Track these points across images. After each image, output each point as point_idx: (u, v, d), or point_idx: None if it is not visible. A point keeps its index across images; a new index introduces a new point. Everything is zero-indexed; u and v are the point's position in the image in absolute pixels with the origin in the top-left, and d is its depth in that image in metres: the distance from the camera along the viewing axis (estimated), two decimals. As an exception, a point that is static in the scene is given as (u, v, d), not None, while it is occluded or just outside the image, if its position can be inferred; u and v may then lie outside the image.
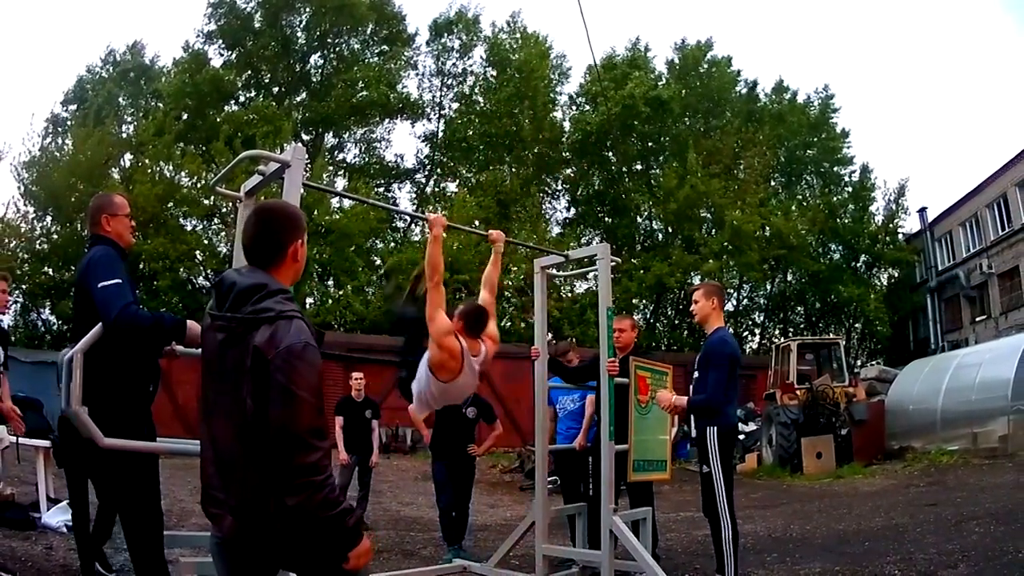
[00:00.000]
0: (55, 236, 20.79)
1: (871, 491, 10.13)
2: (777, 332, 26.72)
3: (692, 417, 4.68)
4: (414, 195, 27.08)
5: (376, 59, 26.00)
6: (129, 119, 24.17)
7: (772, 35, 48.05)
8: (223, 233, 22.03)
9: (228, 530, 1.86)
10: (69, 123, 23.33)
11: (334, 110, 24.69)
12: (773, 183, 26.81)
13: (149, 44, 27.98)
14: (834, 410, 13.70)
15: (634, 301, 23.74)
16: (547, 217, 25.63)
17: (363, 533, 1.88)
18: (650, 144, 26.09)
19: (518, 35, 26.43)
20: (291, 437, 1.74)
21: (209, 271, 21.80)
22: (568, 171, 26.63)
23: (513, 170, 25.28)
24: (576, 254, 5.65)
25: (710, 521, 4.48)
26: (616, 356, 4.94)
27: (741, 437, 14.75)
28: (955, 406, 12.94)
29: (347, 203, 22.63)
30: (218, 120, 23.02)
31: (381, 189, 26.12)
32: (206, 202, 21.34)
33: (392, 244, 24.98)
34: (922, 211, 26.25)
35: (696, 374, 4.60)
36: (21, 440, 5.45)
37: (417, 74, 27.00)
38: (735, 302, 27.25)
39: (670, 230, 25.51)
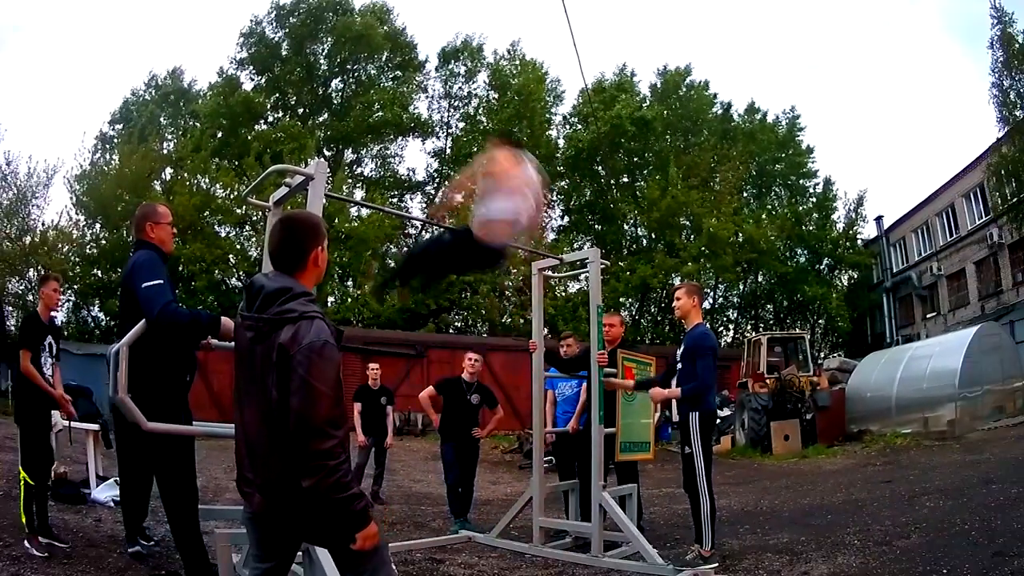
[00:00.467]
0: (103, 241, 20.77)
1: (833, 470, 10.11)
2: (749, 327, 26.66)
3: (675, 403, 4.68)
4: (424, 205, 27.06)
5: (390, 83, 25.97)
6: (169, 137, 24.15)
7: (745, 61, 48.06)
8: (254, 239, 22.00)
9: (257, 506, 1.88)
10: (116, 141, 23.31)
11: (353, 129, 24.65)
12: (745, 194, 26.76)
13: (187, 70, 27.89)
14: (800, 397, 13.69)
15: (621, 300, 23.71)
16: (543, 225, 25.59)
17: (371, 518, 1.86)
18: (635, 159, 26.04)
19: (517, 62, 26.41)
20: (309, 425, 1.74)
21: (241, 273, 21.78)
22: (562, 183, 26.62)
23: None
24: (570, 257, 5.67)
25: (690, 496, 4.49)
26: (605, 349, 4.95)
27: (717, 421, 14.72)
28: (908, 393, 12.94)
29: (364, 212, 22.62)
30: (249, 138, 23.00)
31: (395, 199, 26.08)
32: (238, 211, 21.31)
33: (404, 249, 24.95)
34: (879, 219, 26.22)
35: (680, 365, 4.59)
36: (73, 424, 5.46)
37: (427, 97, 26.98)
38: (711, 301, 27.21)
39: (653, 236, 25.47)
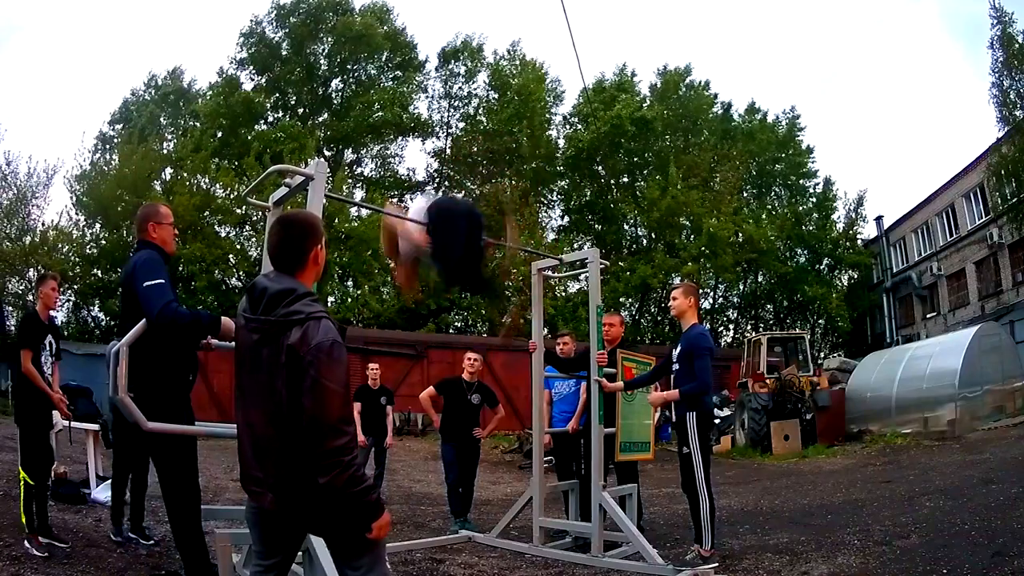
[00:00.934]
0: (103, 241, 20.78)
1: (833, 469, 10.11)
2: (749, 327, 26.66)
3: (673, 403, 4.68)
4: (424, 205, 27.03)
5: (390, 83, 25.98)
6: (169, 137, 24.15)
7: (745, 61, 48.10)
8: (254, 239, 22.00)
9: (269, 504, 1.90)
10: (116, 141, 23.32)
11: (353, 129, 24.67)
12: (745, 194, 26.76)
13: (187, 70, 27.88)
14: (800, 397, 13.69)
15: (621, 300, 23.71)
16: (543, 225, 25.60)
17: (384, 507, 1.92)
18: (635, 159, 26.04)
19: (517, 62, 26.42)
20: (322, 424, 1.78)
21: (241, 273, 21.79)
22: (562, 183, 26.63)
23: (513, 183, 25.26)
24: (569, 258, 5.67)
25: (689, 497, 4.48)
26: (605, 349, 4.95)
27: (717, 421, 14.73)
28: (908, 393, 12.93)
29: (364, 212, 22.63)
30: (249, 138, 23.01)
31: (395, 200, 26.07)
32: (238, 211, 21.31)
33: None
34: (879, 219, 26.22)
35: (677, 366, 4.59)
36: (73, 424, 5.46)
37: (427, 97, 27.03)
38: (711, 301, 27.22)
39: (653, 236, 25.48)
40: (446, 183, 26.85)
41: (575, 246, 24.00)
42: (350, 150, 26.42)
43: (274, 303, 1.90)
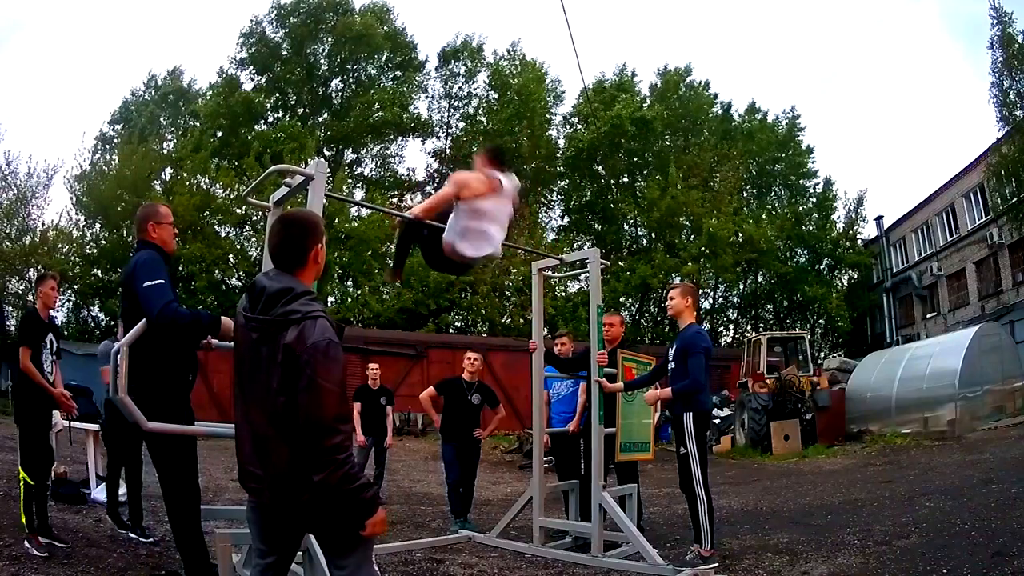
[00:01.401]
0: (103, 242, 20.79)
1: (833, 469, 10.10)
2: (749, 327, 26.67)
3: (670, 403, 4.67)
4: (424, 205, 27.02)
5: (390, 83, 25.99)
6: (169, 137, 24.18)
7: (745, 61, 48.11)
8: (254, 239, 22.01)
9: (267, 500, 1.92)
10: (116, 141, 23.35)
11: (353, 129, 24.68)
12: (745, 194, 26.78)
13: (187, 70, 27.98)
14: (800, 397, 13.69)
15: (621, 299, 23.72)
16: (543, 225, 25.63)
17: (379, 505, 1.93)
18: (635, 159, 26.05)
19: (517, 62, 26.43)
20: (318, 423, 1.79)
21: (241, 273, 21.79)
22: (562, 183, 26.63)
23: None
24: (570, 258, 5.67)
25: (687, 497, 4.49)
26: (605, 348, 4.95)
27: (716, 421, 14.73)
28: (908, 393, 12.93)
29: (365, 212, 22.63)
30: (249, 138, 23.03)
31: (395, 200, 26.08)
32: (238, 211, 21.32)
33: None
34: (879, 219, 26.22)
35: (673, 364, 4.59)
36: (73, 424, 5.47)
37: (427, 97, 27.04)
38: (711, 301, 27.23)
39: (653, 236, 25.49)
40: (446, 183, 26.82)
41: (575, 246, 24.02)
42: (350, 150, 26.44)
43: (272, 302, 1.91)
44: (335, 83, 26.14)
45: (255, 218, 21.31)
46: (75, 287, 20.36)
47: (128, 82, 44.09)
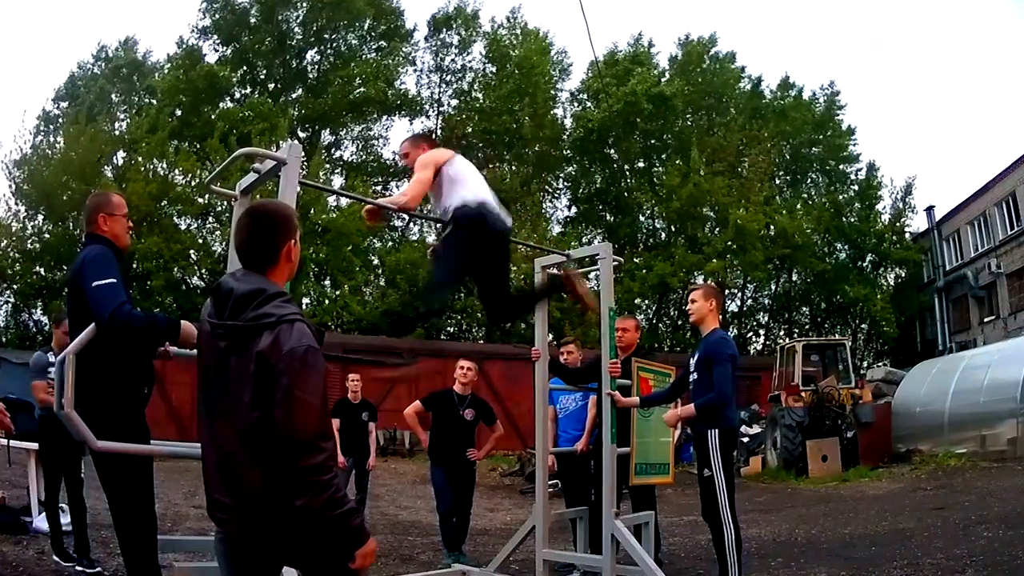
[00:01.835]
0: (47, 235, 20.80)
1: (877, 495, 10.12)
2: (782, 333, 26.71)
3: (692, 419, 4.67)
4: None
5: (374, 55, 26.00)
6: (122, 116, 24.20)
7: (776, 30, 48.07)
8: (218, 232, 22.02)
9: (236, 532, 1.91)
10: (61, 120, 23.36)
11: (331, 107, 24.68)
12: (778, 181, 26.82)
13: (142, 40, 27.90)
14: (840, 412, 13.70)
15: (636, 301, 23.73)
16: (548, 216, 25.65)
17: (369, 533, 1.92)
18: (652, 141, 26.08)
19: (518, 31, 26.46)
20: (297, 440, 1.79)
21: (204, 271, 21.81)
22: (569, 169, 26.64)
23: (513, 168, 25.27)
24: (577, 253, 5.65)
25: (711, 526, 4.47)
26: (618, 357, 4.95)
27: (745, 440, 14.75)
28: (963, 408, 12.94)
29: (344, 202, 22.64)
30: (213, 117, 23.04)
31: (379, 187, 26.10)
32: (200, 201, 21.34)
33: (390, 243, 25.00)
34: (929, 210, 26.23)
35: (695, 375, 4.59)
36: (12, 443, 5.46)
37: (415, 70, 27.05)
38: (739, 302, 27.26)
39: (673, 229, 25.52)
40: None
41: (584, 240, 24.03)
42: (328, 131, 26.45)
43: (242, 305, 1.90)
44: (310, 55, 26.17)
45: (219, 208, 21.32)
46: (14, 287, 20.37)
47: (75, 54, 44.17)
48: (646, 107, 23.85)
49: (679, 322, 25.67)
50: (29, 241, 20.72)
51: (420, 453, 13.83)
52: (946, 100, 49.70)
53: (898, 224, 26.51)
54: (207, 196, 20.57)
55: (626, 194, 25.85)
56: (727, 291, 24.69)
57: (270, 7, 24.38)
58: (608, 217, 26.51)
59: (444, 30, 26.62)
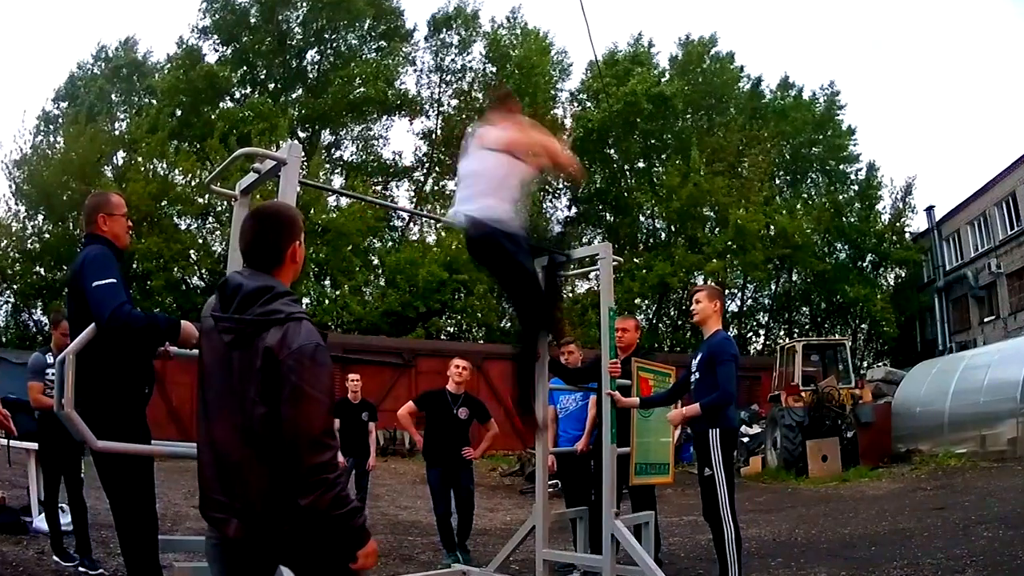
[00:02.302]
0: (46, 235, 20.81)
1: (877, 495, 10.12)
2: (782, 333, 26.72)
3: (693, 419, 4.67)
4: (412, 193, 27.10)
5: (374, 55, 26.02)
6: (122, 116, 24.21)
7: (776, 30, 48.08)
8: (218, 232, 22.03)
9: (234, 532, 1.88)
10: (61, 120, 23.36)
11: (331, 107, 24.69)
12: (778, 181, 26.83)
13: (142, 40, 27.90)
14: (840, 412, 13.69)
15: (636, 301, 23.75)
16: (547, 216, 25.63)
17: (371, 533, 1.92)
18: (652, 141, 26.10)
19: (518, 31, 26.49)
20: (304, 437, 1.78)
21: (203, 271, 21.80)
22: (569, 169, 26.62)
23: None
24: (578, 253, 5.65)
25: (712, 526, 4.48)
26: (618, 357, 4.95)
27: (745, 440, 14.74)
28: (963, 408, 12.93)
29: (344, 201, 22.67)
30: (213, 117, 23.05)
31: (379, 187, 26.13)
32: (200, 200, 21.35)
33: (390, 243, 25.01)
34: (929, 210, 26.22)
35: (697, 375, 4.59)
36: (12, 443, 5.46)
37: (415, 70, 27.08)
38: (739, 302, 27.25)
39: (673, 229, 25.53)
40: (436, 169, 26.90)
41: (584, 240, 24.02)
42: (328, 131, 26.45)
43: (249, 301, 1.90)
44: (311, 55, 26.18)
45: (219, 208, 21.32)
46: (14, 287, 20.37)
47: (75, 54, 44.15)
48: (646, 107, 23.87)
49: (679, 322, 25.68)
50: (29, 241, 20.73)
51: (420, 453, 13.83)
52: (946, 100, 49.74)
53: (898, 224, 26.53)
54: (207, 196, 20.57)
55: (626, 194, 25.86)
56: (727, 291, 24.69)
57: (270, 7, 24.39)
58: (608, 217, 26.53)
59: (444, 30, 26.63)
